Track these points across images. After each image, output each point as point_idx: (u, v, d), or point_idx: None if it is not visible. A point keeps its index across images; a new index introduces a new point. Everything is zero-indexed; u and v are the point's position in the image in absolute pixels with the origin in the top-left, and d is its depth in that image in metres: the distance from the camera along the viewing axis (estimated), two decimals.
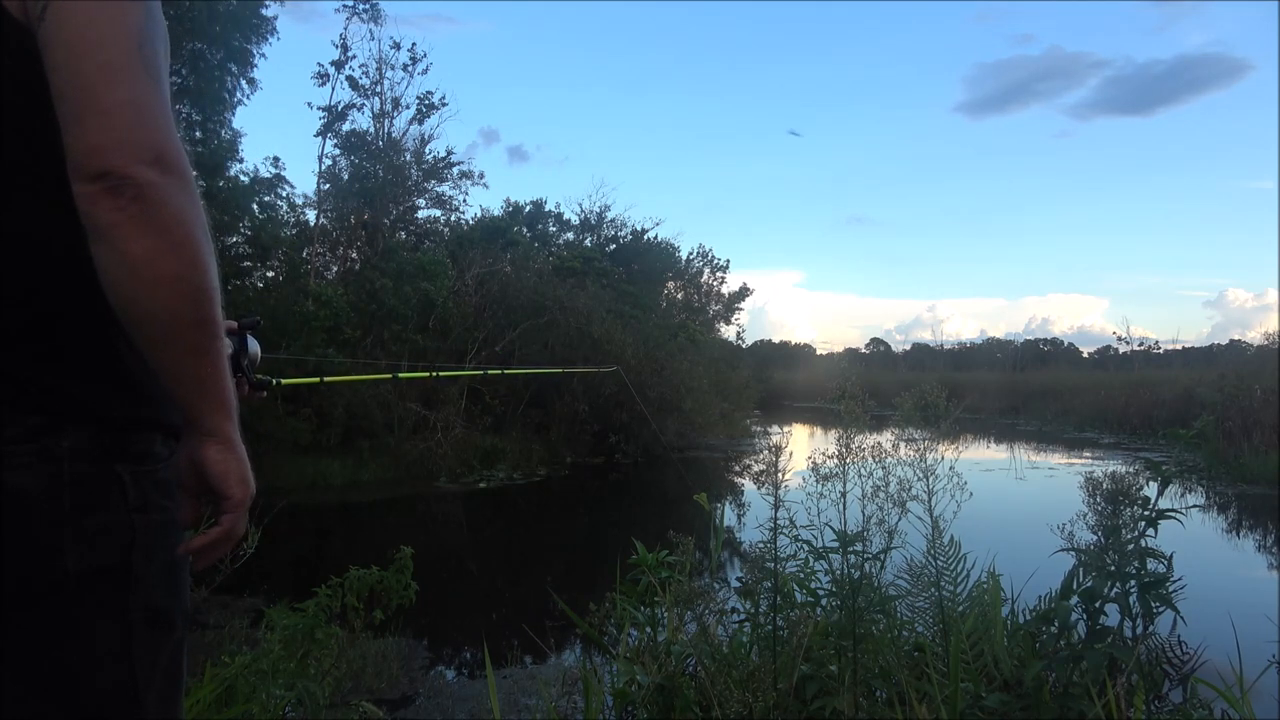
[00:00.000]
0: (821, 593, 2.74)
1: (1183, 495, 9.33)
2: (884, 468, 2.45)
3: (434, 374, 3.15)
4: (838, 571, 2.46)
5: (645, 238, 26.04)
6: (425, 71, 17.46)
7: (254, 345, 1.32)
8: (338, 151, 16.92)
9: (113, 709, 0.87)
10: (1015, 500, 10.90)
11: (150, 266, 0.79)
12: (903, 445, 2.47)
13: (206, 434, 0.89)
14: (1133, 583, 2.11)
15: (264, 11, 14.03)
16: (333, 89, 16.47)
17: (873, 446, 2.47)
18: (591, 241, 25.18)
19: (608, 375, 15.77)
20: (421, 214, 18.64)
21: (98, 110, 0.79)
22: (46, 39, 0.81)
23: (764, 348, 50.66)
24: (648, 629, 3.17)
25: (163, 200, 0.79)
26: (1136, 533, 2.17)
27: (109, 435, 0.87)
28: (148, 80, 0.82)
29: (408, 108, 17.45)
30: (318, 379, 2.05)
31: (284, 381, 1.41)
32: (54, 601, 0.83)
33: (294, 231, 15.69)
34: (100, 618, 0.85)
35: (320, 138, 16.52)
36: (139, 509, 0.88)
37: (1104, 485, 2.49)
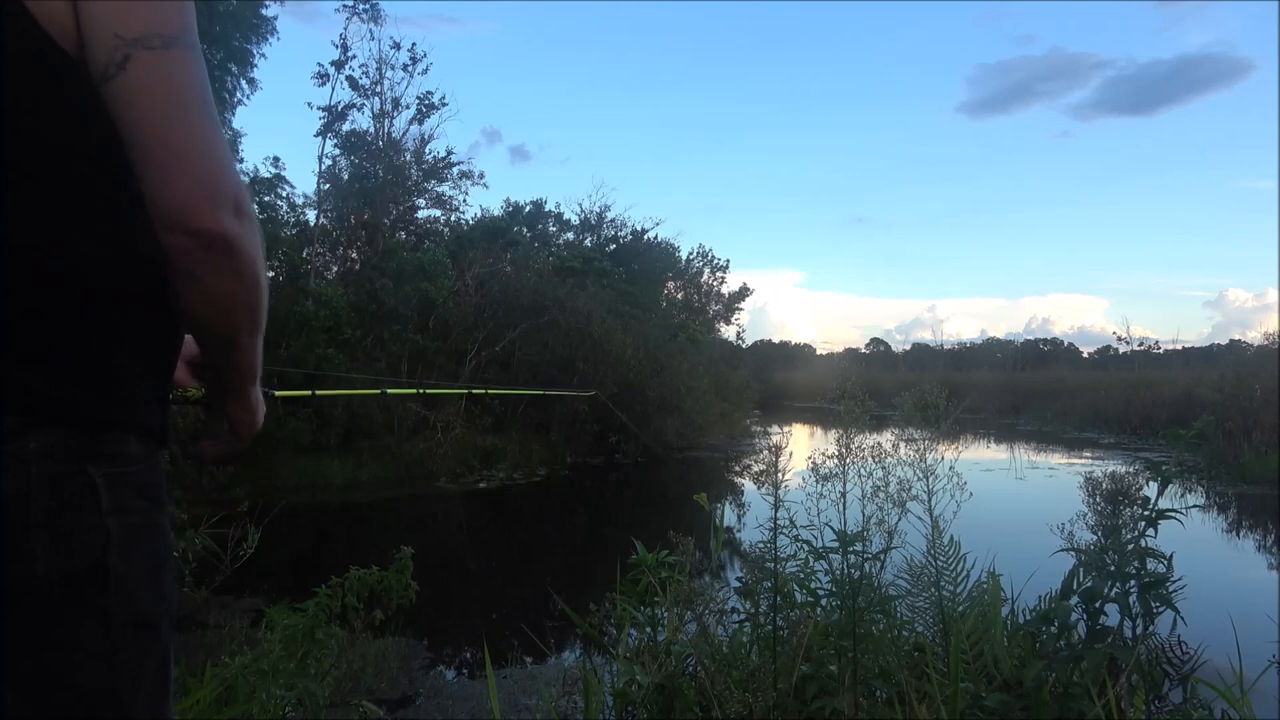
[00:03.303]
0: (821, 593, 2.73)
1: (1183, 495, 9.31)
2: (884, 468, 2.44)
3: (420, 390, 3.19)
4: (838, 571, 2.45)
5: (645, 238, 26.04)
6: (425, 71, 17.49)
7: None
8: (338, 151, 16.94)
9: (97, 714, 0.86)
10: (1015, 500, 10.90)
11: (229, 299, 0.92)
12: (903, 445, 2.47)
13: (235, 396, 1.07)
14: (1133, 583, 2.11)
15: (264, 11, 14.03)
16: (333, 89, 16.50)
17: (873, 446, 2.47)
18: (591, 241, 25.17)
19: (606, 377, 15.84)
20: (421, 214, 18.66)
21: (186, 166, 0.85)
22: (125, 89, 0.85)
23: (764, 348, 50.66)
24: (648, 629, 3.17)
25: (243, 248, 0.89)
26: (1136, 533, 2.16)
27: (80, 436, 0.86)
28: (216, 128, 0.89)
29: (408, 108, 17.48)
30: (309, 392, 2.07)
31: (278, 394, 1.48)
32: (29, 607, 0.82)
33: (294, 231, 15.69)
34: (80, 622, 0.84)
35: (320, 138, 16.55)
36: (113, 511, 0.87)
37: (1104, 485, 2.49)
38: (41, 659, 0.83)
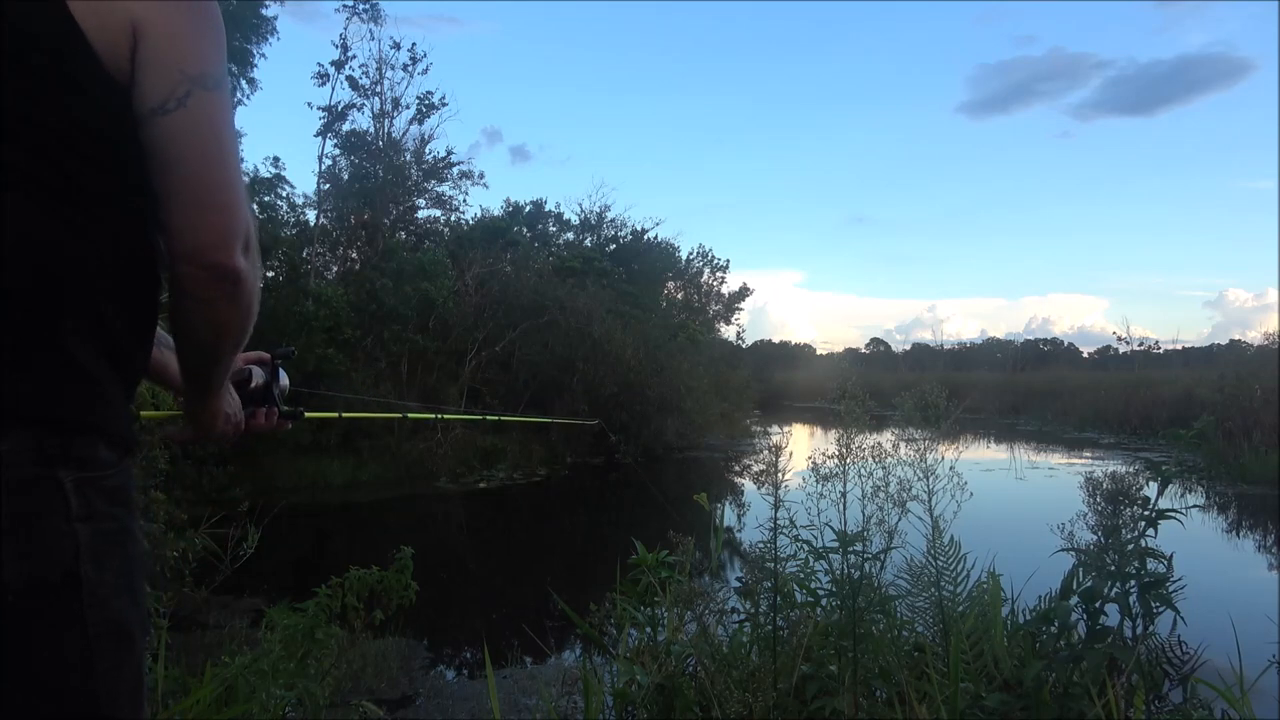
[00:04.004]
0: (821, 593, 2.73)
1: (1183, 495, 9.31)
2: (884, 468, 2.44)
3: (439, 416, 3.28)
4: (838, 571, 2.45)
5: (645, 238, 26.04)
6: (425, 71, 17.48)
7: (284, 377, 1.39)
8: (338, 151, 16.93)
9: None
10: (1015, 500, 10.90)
11: (229, 324, 1.00)
12: (903, 445, 2.47)
13: (201, 400, 1.15)
14: (1133, 583, 2.11)
15: (264, 11, 14.04)
16: (333, 89, 16.50)
17: (873, 446, 2.47)
18: (591, 241, 25.17)
19: (606, 377, 15.86)
20: (421, 214, 18.65)
21: (216, 205, 0.91)
22: (181, 125, 0.89)
23: (764, 348, 50.70)
24: (648, 629, 3.17)
25: (249, 281, 0.97)
26: (1136, 533, 2.16)
27: (50, 440, 0.85)
28: (240, 167, 0.96)
29: (408, 108, 17.47)
30: (336, 414, 2.09)
31: (308, 414, 1.51)
32: (3, 616, 0.80)
33: (294, 231, 15.68)
34: (57, 632, 0.83)
35: (320, 138, 16.54)
36: (83, 518, 0.85)
37: (1104, 485, 2.49)
38: (20, 668, 0.81)
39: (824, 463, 2.49)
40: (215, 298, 0.95)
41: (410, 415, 2.68)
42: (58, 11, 0.85)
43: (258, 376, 1.33)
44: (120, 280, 0.93)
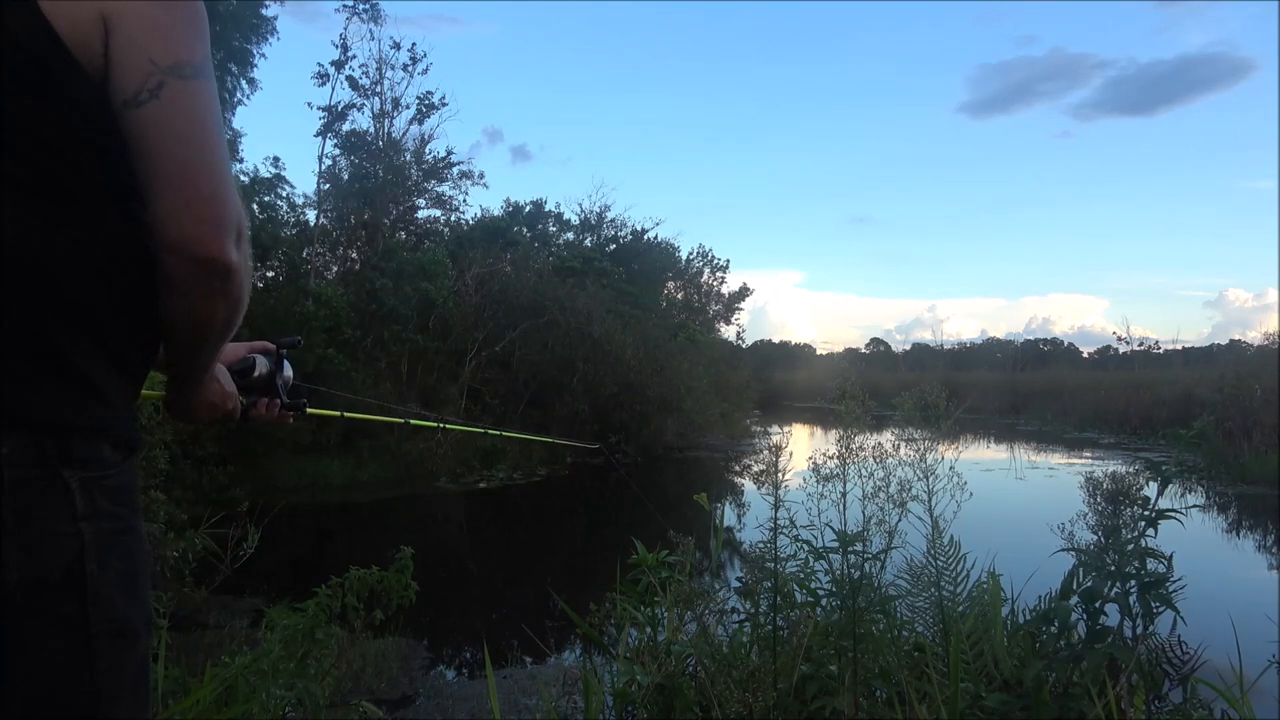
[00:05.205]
0: (821, 593, 2.73)
1: (1183, 495, 9.33)
2: (884, 468, 2.44)
3: (442, 425, 3.23)
4: (838, 571, 2.45)
5: (645, 238, 26.06)
6: (425, 71, 17.51)
7: (288, 368, 1.38)
8: (338, 151, 16.95)
9: None
10: (1015, 500, 10.90)
11: (213, 317, 0.97)
12: (903, 445, 2.47)
13: (184, 392, 1.15)
14: (1133, 583, 2.11)
15: (264, 11, 14.06)
16: (333, 89, 16.51)
17: (873, 447, 2.47)
18: (591, 241, 25.18)
19: (606, 376, 15.87)
20: (421, 214, 18.66)
21: (201, 196, 0.88)
22: (155, 116, 0.87)
23: (764, 348, 50.76)
24: (648, 629, 3.17)
25: (239, 275, 0.94)
26: (1136, 533, 2.16)
27: (53, 440, 0.85)
28: (228, 158, 0.94)
29: (408, 108, 17.49)
30: (339, 413, 2.07)
31: (310, 410, 1.48)
32: (6, 615, 0.80)
33: (294, 231, 15.67)
34: (59, 631, 0.83)
35: (320, 138, 16.56)
36: (87, 517, 0.86)
37: (1104, 485, 2.49)
38: (22, 666, 0.81)
39: (824, 463, 2.49)
40: (204, 292, 0.93)
41: (413, 422, 2.65)
42: (28, 9, 0.84)
43: (261, 366, 1.33)
44: (116, 280, 0.93)
